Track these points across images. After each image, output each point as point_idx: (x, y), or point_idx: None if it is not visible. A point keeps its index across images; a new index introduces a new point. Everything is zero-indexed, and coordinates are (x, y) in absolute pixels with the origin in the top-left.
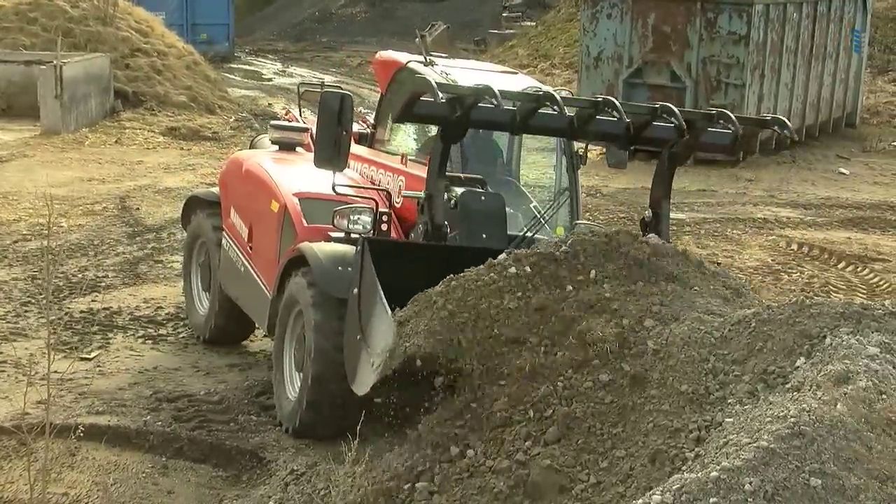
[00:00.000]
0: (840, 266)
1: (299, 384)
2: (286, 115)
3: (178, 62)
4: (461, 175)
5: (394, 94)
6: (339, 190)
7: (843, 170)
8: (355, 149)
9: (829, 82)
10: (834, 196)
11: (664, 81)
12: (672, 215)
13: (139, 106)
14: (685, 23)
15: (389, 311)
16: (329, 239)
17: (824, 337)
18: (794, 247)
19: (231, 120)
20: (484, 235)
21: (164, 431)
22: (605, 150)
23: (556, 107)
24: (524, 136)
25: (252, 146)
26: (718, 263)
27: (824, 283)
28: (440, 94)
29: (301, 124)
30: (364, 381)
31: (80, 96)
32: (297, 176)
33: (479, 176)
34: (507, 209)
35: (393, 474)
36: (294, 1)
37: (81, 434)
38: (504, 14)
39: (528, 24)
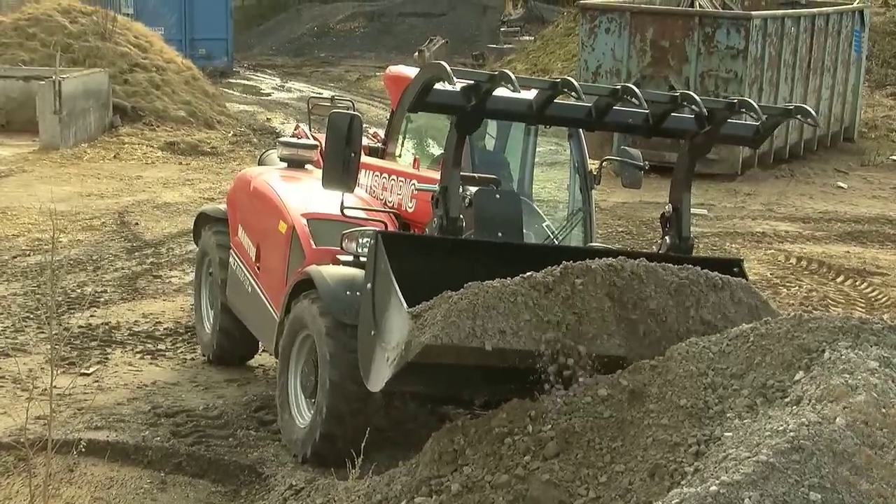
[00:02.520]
0: (839, 280)
1: (308, 412)
2: (296, 130)
3: (176, 77)
4: (475, 175)
5: (408, 88)
6: (348, 212)
7: (841, 184)
8: (366, 159)
9: (828, 96)
10: (832, 210)
11: None
12: None
13: (138, 121)
14: (683, 37)
15: (405, 304)
16: (337, 262)
17: (823, 351)
18: (793, 261)
19: (230, 135)
20: (500, 234)
21: (163, 447)
22: (620, 171)
23: (574, 94)
24: (537, 154)
25: (260, 162)
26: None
27: (823, 297)
28: (454, 80)
29: (310, 141)
30: (379, 377)
31: (78, 111)
32: (306, 195)
33: (493, 176)
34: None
35: (392, 489)
36: (293, 16)
37: (82, 449)
38: (502, 29)
39: (527, 38)
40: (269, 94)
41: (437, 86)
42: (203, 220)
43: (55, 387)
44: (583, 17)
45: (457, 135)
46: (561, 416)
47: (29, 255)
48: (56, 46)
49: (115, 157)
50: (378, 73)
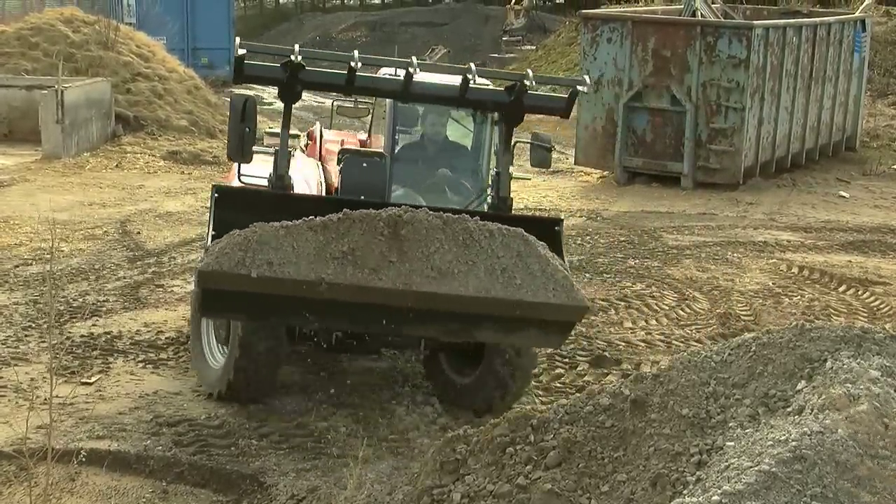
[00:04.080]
0: (841, 289)
1: (222, 357)
2: (310, 129)
3: (179, 86)
4: (366, 149)
5: None
6: (244, 180)
7: (843, 193)
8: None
9: (829, 106)
10: (834, 219)
11: (664, 105)
12: (672, 239)
13: (140, 130)
14: (685, 47)
15: (208, 242)
16: None
17: (825, 360)
18: (795, 270)
19: None
20: (362, 197)
21: (165, 456)
22: (529, 152)
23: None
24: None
25: None
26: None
27: (825, 306)
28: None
29: (296, 132)
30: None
31: (81, 121)
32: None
33: (380, 150)
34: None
35: (394, 499)
36: (294, 25)
37: (83, 459)
38: (504, 38)
39: (529, 47)
40: (270, 104)
41: (251, 61)
42: None
43: (57, 396)
44: (584, 26)
45: (284, 105)
46: (563, 425)
47: (31, 265)
48: (59, 56)
49: (117, 166)
50: None
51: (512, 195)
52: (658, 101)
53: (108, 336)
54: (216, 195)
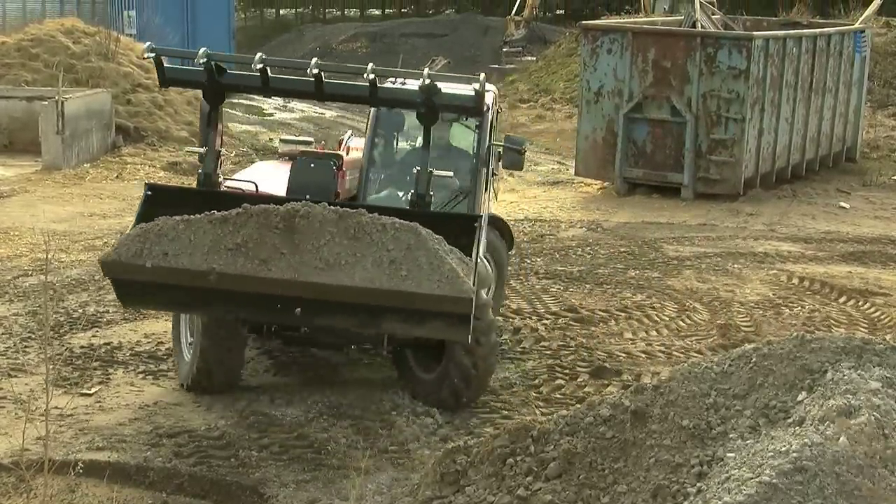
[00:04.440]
0: (841, 300)
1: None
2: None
3: (179, 97)
4: (321, 151)
5: None
6: (229, 184)
7: (843, 204)
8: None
9: (829, 116)
10: (834, 230)
11: (665, 116)
12: (673, 250)
13: (140, 141)
14: (685, 58)
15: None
16: None
17: (826, 371)
18: (795, 281)
19: (232, 155)
20: (307, 196)
21: (165, 467)
22: (502, 152)
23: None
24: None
25: None
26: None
27: (825, 317)
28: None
29: (309, 139)
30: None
31: (81, 132)
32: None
33: (338, 153)
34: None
35: None
36: (295, 36)
37: (81, 470)
38: (504, 49)
39: (529, 58)
40: (271, 115)
41: (168, 64)
42: None
43: (56, 407)
44: (585, 37)
45: (207, 107)
46: (563, 436)
47: (31, 276)
48: (59, 67)
49: (117, 177)
50: None
51: (512, 205)
52: (658, 112)
53: (108, 347)
54: (148, 192)
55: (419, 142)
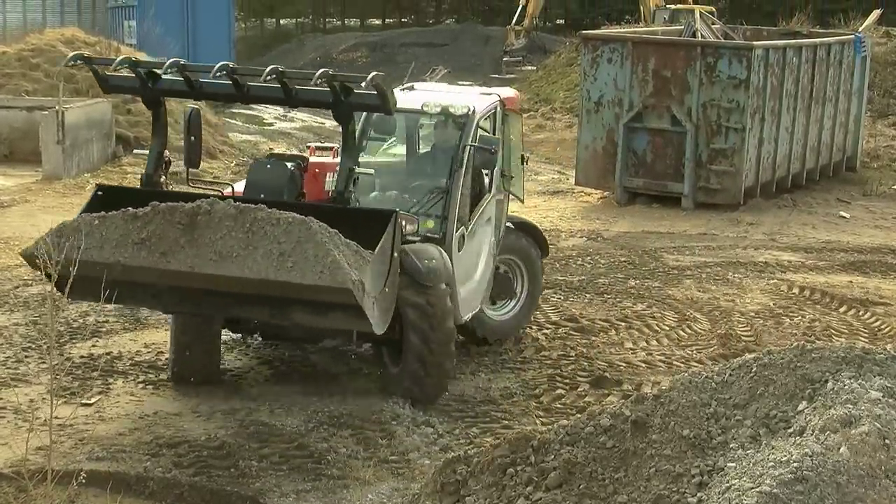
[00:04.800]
0: (841, 310)
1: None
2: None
3: (179, 107)
4: (287, 153)
5: None
6: (194, 184)
7: (843, 213)
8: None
9: (830, 126)
10: (835, 240)
11: (665, 125)
12: (673, 259)
13: (141, 150)
14: (685, 67)
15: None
16: None
17: (826, 381)
18: (796, 290)
19: (232, 164)
20: (262, 195)
21: (164, 477)
22: (474, 152)
23: (224, 75)
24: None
25: None
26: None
27: (826, 326)
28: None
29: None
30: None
31: (81, 141)
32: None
33: (303, 155)
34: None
35: None
36: (295, 46)
37: (83, 480)
38: (505, 59)
39: (529, 68)
40: (271, 124)
41: (107, 73)
42: None
43: (57, 417)
44: (584, 47)
45: (150, 111)
46: (563, 446)
47: (31, 285)
48: (59, 77)
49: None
50: None
51: (512, 214)
52: (658, 122)
53: (109, 357)
54: (98, 192)
55: (408, 144)
